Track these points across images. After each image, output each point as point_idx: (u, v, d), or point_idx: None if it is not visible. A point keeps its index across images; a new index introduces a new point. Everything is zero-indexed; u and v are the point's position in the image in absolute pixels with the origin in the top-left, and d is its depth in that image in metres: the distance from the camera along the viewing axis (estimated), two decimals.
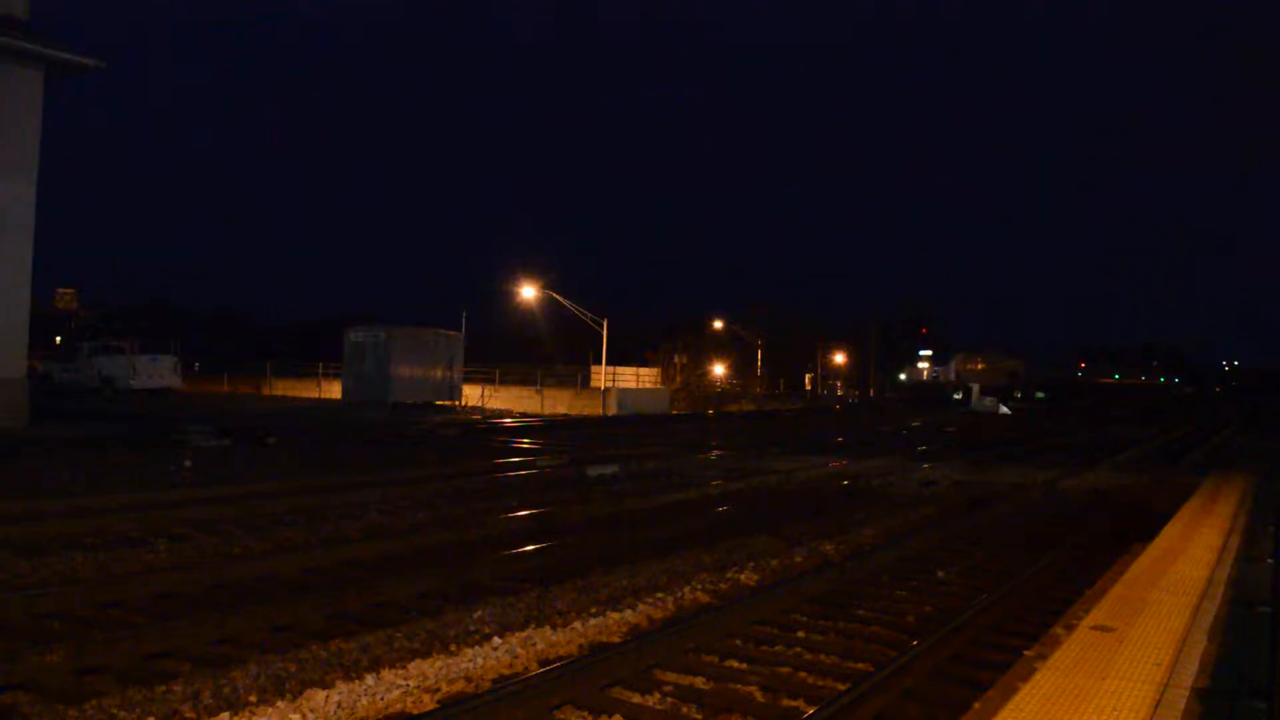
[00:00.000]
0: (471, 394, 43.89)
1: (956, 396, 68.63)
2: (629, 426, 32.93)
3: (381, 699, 5.79)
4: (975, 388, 70.07)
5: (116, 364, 37.72)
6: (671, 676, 6.44)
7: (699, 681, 6.37)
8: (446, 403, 40.42)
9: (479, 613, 7.59)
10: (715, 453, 22.79)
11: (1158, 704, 4.89)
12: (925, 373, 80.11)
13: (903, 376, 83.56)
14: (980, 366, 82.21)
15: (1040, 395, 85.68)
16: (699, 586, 8.77)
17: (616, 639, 7.14)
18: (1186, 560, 8.56)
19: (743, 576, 9.29)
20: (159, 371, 38.47)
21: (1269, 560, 8.65)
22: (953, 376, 76.43)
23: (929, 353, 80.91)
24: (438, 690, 5.99)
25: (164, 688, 5.72)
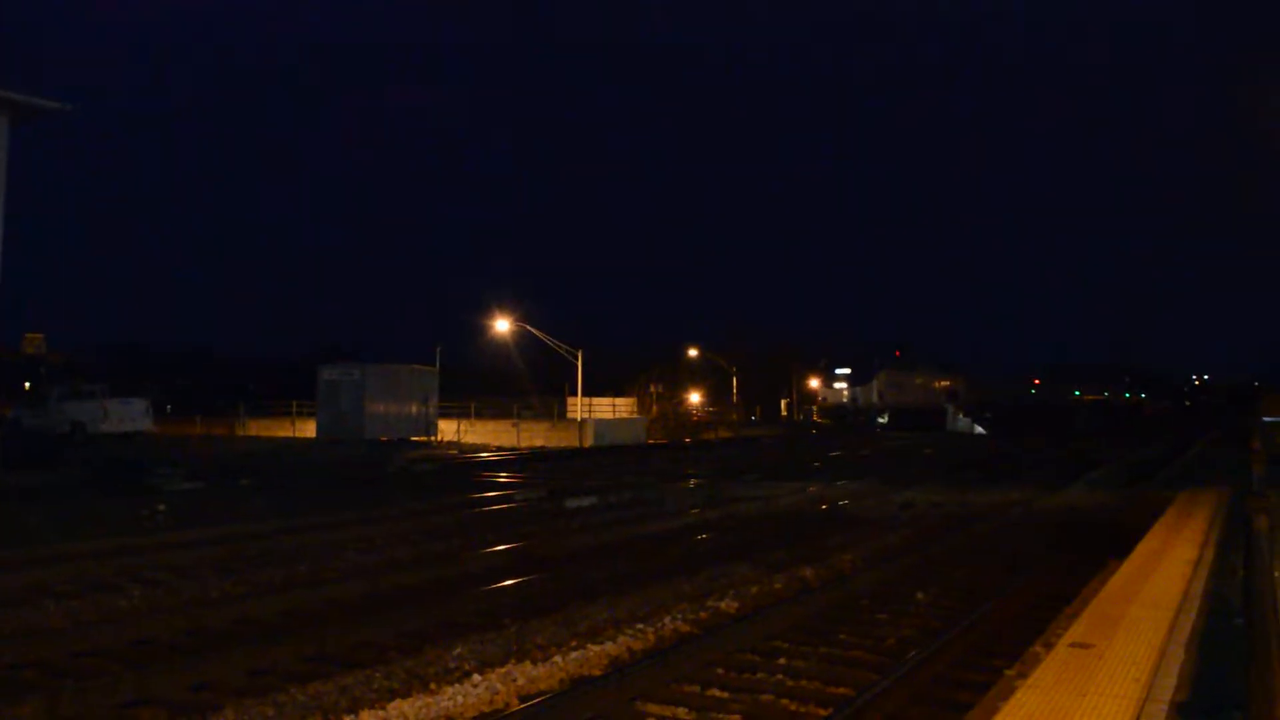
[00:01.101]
0: (448, 429, 43.68)
1: (881, 420, 60.83)
2: (606, 457, 32.86)
3: None
4: (951, 408, 66.73)
5: (86, 408, 37.25)
6: (654, 708, 6.41)
7: (681, 712, 6.35)
8: (422, 438, 40.20)
9: (459, 650, 7.54)
10: (693, 481, 22.79)
11: (1138, 718, 4.92)
12: (845, 394, 64.64)
13: (821, 399, 67.21)
14: (917, 380, 71.65)
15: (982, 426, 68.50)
16: (679, 616, 8.75)
17: (598, 672, 7.11)
18: (1162, 575, 8.63)
19: (723, 604, 9.28)
20: (130, 415, 38.01)
21: (1242, 573, 8.73)
22: (875, 398, 63.65)
23: (846, 371, 64.48)
24: None
25: None
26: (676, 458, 33.16)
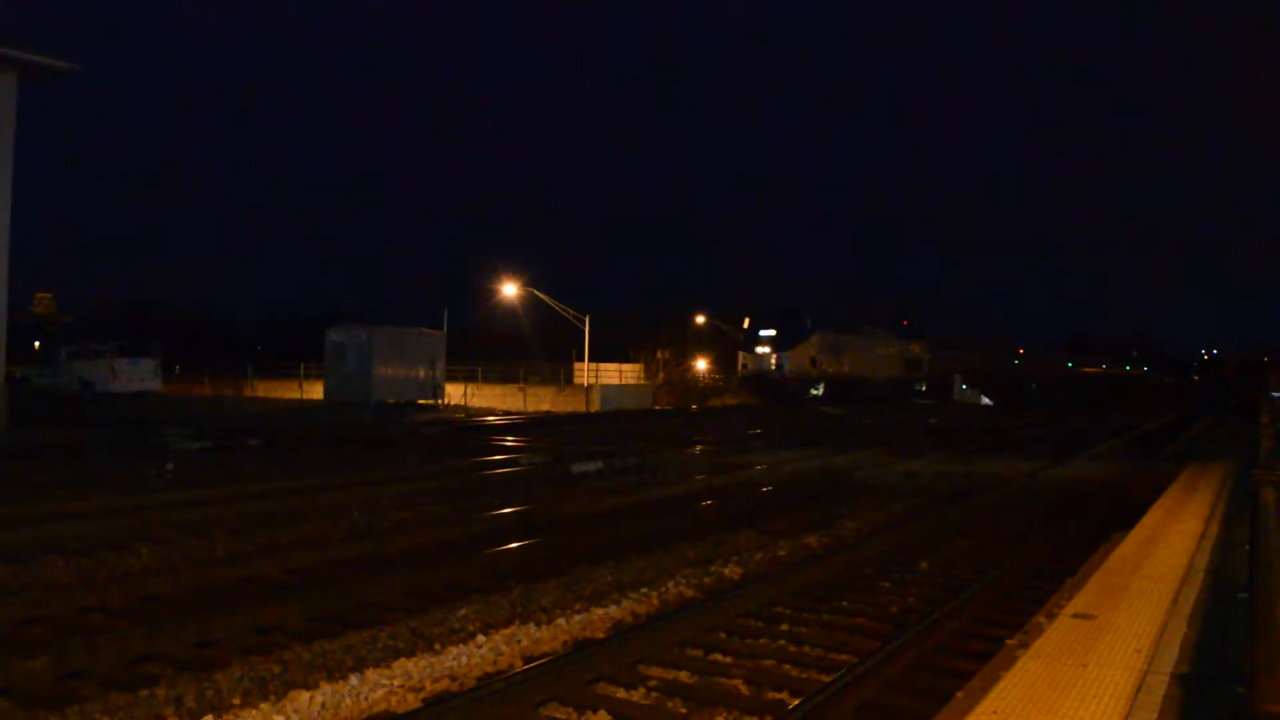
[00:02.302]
0: (454, 392, 43.78)
1: (815, 393, 50.89)
2: (612, 423, 32.93)
3: (366, 699, 5.78)
4: (957, 378, 62.97)
5: (95, 368, 37.45)
6: (656, 671, 6.45)
7: (683, 676, 6.38)
8: (429, 401, 40.30)
9: (463, 611, 7.59)
10: (698, 447, 22.83)
11: (1138, 689, 4.93)
12: (772, 360, 51.55)
13: (741, 366, 54.32)
14: (878, 350, 60.34)
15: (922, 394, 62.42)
16: (683, 581, 8.79)
17: (601, 635, 7.14)
18: (1166, 548, 8.64)
19: (726, 570, 9.31)
20: (139, 375, 38.19)
21: (1247, 546, 8.73)
22: (809, 365, 51.55)
23: (770, 333, 51.64)
24: (422, 689, 5.98)
25: (146, 692, 5.70)
26: (682, 424, 33.21)
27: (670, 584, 8.67)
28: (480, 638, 6.90)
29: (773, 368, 50.97)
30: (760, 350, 51.50)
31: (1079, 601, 6.64)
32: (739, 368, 53.70)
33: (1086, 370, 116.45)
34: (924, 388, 64.57)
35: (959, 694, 5.18)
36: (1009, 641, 6.24)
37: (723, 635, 7.29)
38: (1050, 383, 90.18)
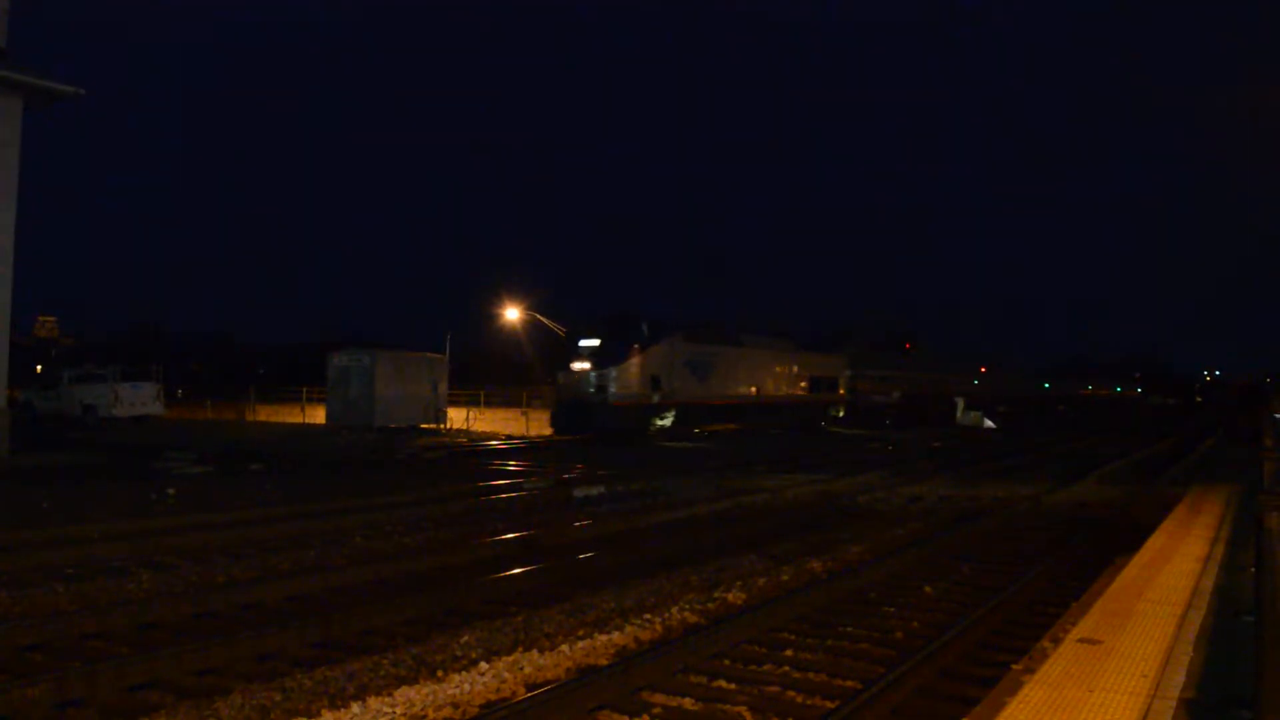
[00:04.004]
0: (457, 416, 43.74)
1: (660, 422, 36.58)
2: (614, 447, 32.86)
3: None
4: (960, 402, 58.67)
5: (98, 392, 37.47)
6: (660, 698, 6.41)
7: (687, 703, 6.35)
8: (432, 426, 40.26)
9: (466, 637, 7.55)
10: (701, 472, 22.77)
11: (1145, 715, 4.90)
12: (590, 378, 35.60)
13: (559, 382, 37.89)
14: (775, 359, 44.56)
15: None
16: (686, 607, 8.75)
17: (604, 661, 7.11)
18: (1171, 571, 8.60)
19: (730, 596, 9.27)
20: (141, 399, 38.21)
21: (1252, 569, 8.69)
22: (645, 385, 35.77)
23: (592, 343, 36.52)
24: (424, 717, 5.95)
25: (146, 719, 5.67)
26: (686, 447, 33.13)
27: (674, 609, 8.63)
28: (483, 665, 6.87)
29: (592, 389, 34.78)
30: (577, 366, 35.23)
31: (1084, 626, 6.60)
32: (558, 385, 36.90)
33: (1083, 393, 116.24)
34: (842, 413, 50.49)
35: None
36: (1014, 667, 6.20)
37: (726, 661, 7.25)
38: (1054, 405, 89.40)
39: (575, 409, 35.14)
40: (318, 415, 43.00)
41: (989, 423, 54.81)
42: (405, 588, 9.51)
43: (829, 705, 6.19)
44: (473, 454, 28.15)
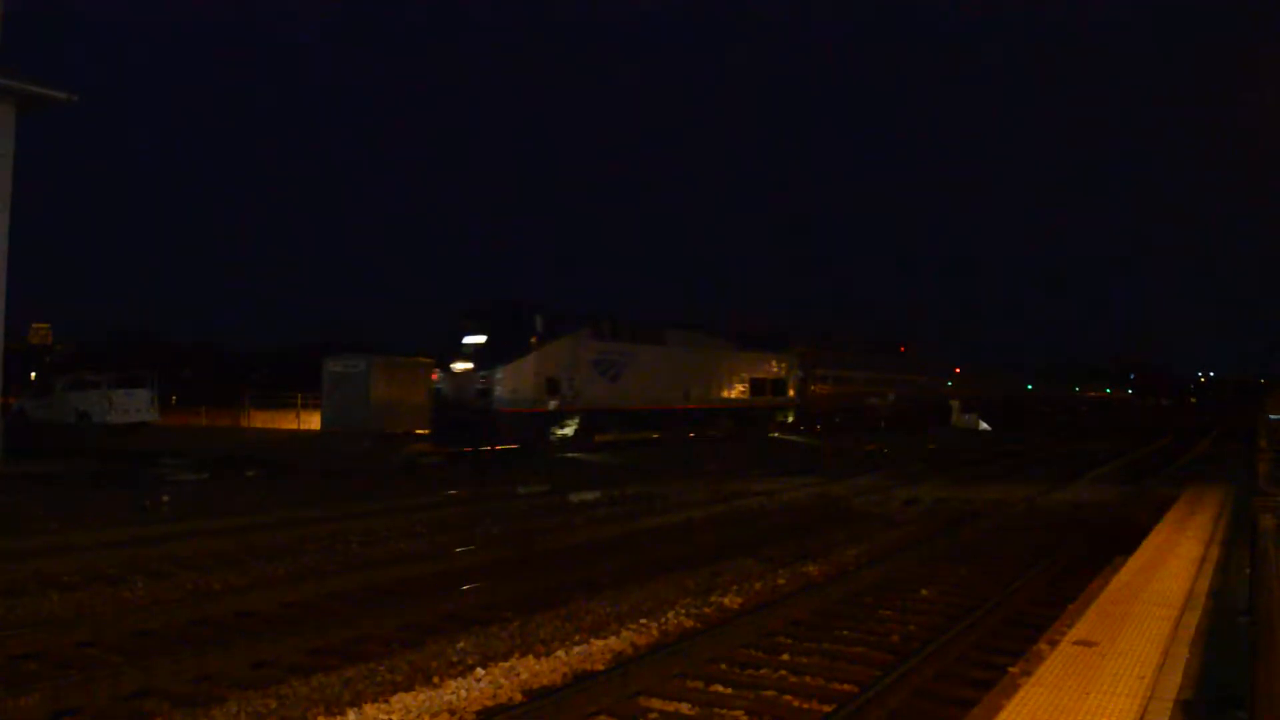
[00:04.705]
0: None
1: (561, 431, 31.09)
2: (610, 451, 32.84)
3: None
4: (956, 404, 59.18)
5: (92, 399, 37.36)
6: (657, 703, 6.41)
7: (684, 707, 6.34)
8: (426, 431, 40.21)
9: (462, 643, 7.54)
10: (697, 475, 22.75)
11: (1142, 717, 4.91)
12: (476, 378, 29.09)
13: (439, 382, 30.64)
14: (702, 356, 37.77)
15: None
16: (683, 611, 8.74)
17: (601, 666, 7.10)
18: (1167, 573, 8.61)
19: (726, 600, 9.26)
20: (135, 405, 38.09)
21: (1247, 570, 8.70)
22: (542, 387, 30.10)
23: (477, 340, 29.48)
24: None
25: None
26: (681, 451, 33.12)
27: (670, 614, 8.62)
28: (479, 670, 6.85)
29: (477, 390, 29.02)
30: (458, 366, 29.51)
31: (1081, 628, 6.61)
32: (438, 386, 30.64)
33: (1082, 394, 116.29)
34: (790, 419, 44.44)
35: None
36: (1011, 669, 6.21)
37: (723, 666, 7.25)
38: (1048, 407, 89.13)
39: (457, 418, 29.30)
40: (313, 421, 42.93)
41: (984, 425, 54.88)
42: (401, 593, 9.50)
43: (826, 709, 6.19)
44: (468, 459, 28.09)
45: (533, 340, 29.52)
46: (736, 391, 40.13)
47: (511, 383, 29.01)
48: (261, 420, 48.68)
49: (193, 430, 41.12)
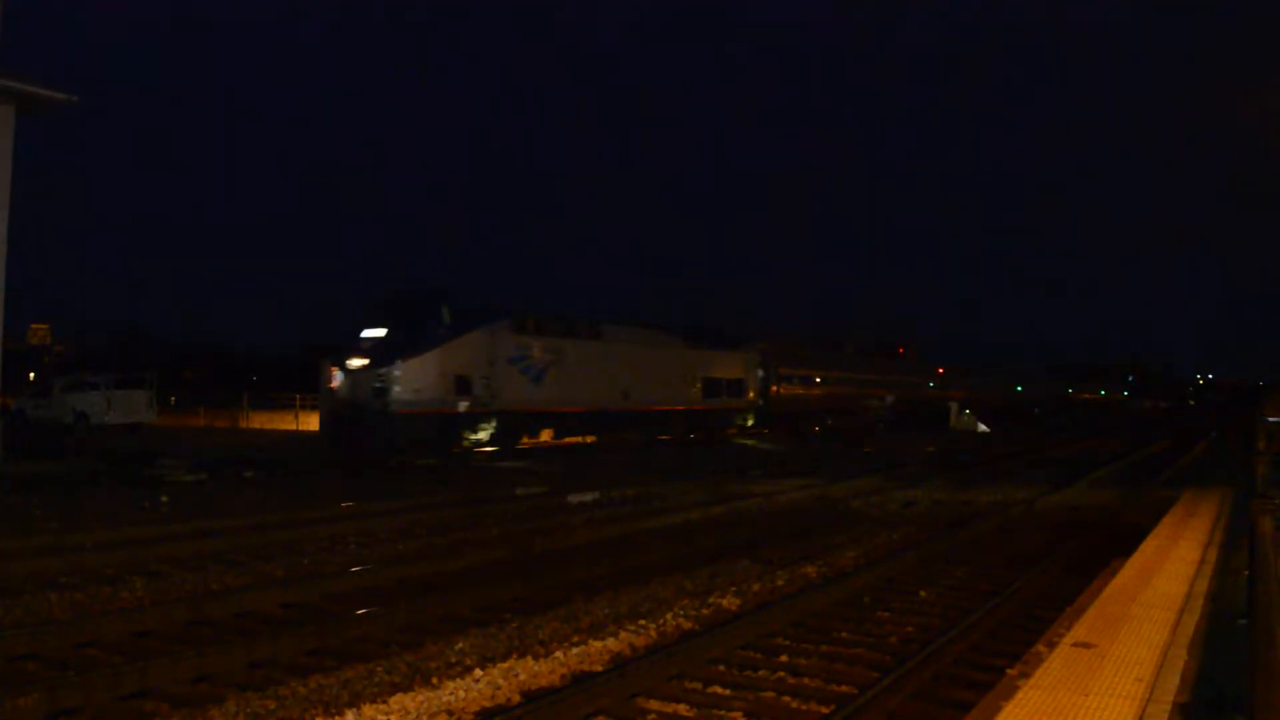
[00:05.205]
0: None
1: (475, 435, 28.12)
2: (609, 452, 32.84)
3: None
4: (954, 405, 57.60)
5: (90, 399, 37.36)
6: (655, 705, 6.41)
7: (682, 709, 6.34)
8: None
9: (460, 644, 7.54)
10: (695, 477, 22.74)
11: (1140, 718, 4.91)
12: (372, 373, 25.69)
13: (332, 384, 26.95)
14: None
15: None
16: (681, 613, 8.74)
17: (599, 668, 7.10)
18: (1165, 575, 8.62)
19: (725, 601, 9.27)
20: (134, 406, 38.08)
21: (1245, 573, 8.71)
22: (451, 388, 26.71)
23: (377, 334, 26.59)
24: None
25: None
26: (680, 453, 33.12)
27: (669, 615, 8.62)
28: (478, 671, 6.85)
29: (374, 389, 25.58)
30: (354, 363, 26.20)
31: (1079, 630, 6.61)
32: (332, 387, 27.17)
33: (1082, 396, 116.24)
34: (751, 422, 40.82)
35: None
36: (1009, 671, 6.21)
37: (721, 667, 7.25)
38: (1047, 408, 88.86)
39: (350, 420, 26.08)
40: (311, 422, 42.90)
41: (983, 427, 54.87)
42: (399, 594, 9.48)
43: (824, 710, 6.19)
44: (466, 460, 28.10)
45: (440, 333, 26.61)
46: (687, 392, 36.86)
47: (412, 380, 25.83)
48: (260, 421, 48.65)
49: (191, 431, 41.09)
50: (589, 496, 17.76)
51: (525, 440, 30.18)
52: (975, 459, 30.53)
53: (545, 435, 31.43)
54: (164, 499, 16.07)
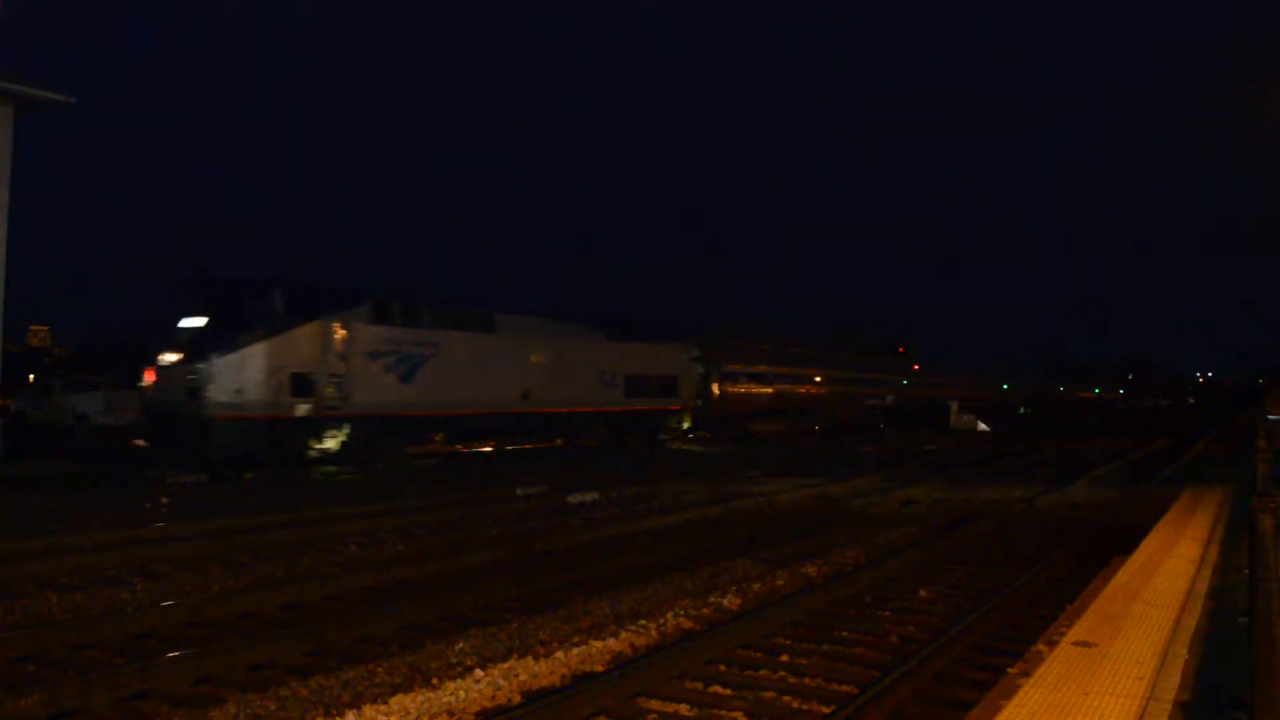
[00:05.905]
0: None
1: (322, 445, 23.44)
2: (609, 453, 32.84)
3: None
4: (955, 404, 57.20)
5: (90, 400, 37.37)
6: (656, 705, 6.41)
7: (683, 709, 6.34)
8: None
9: (460, 645, 7.54)
10: (695, 477, 22.74)
11: (1140, 717, 4.91)
12: (185, 370, 20.93)
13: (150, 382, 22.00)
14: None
15: None
16: (681, 613, 8.74)
17: (600, 668, 7.10)
18: (1165, 573, 8.62)
19: (725, 601, 9.26)
20: (134, 407, 38.12)
21: (1246, 571, 8.71)
22: (286, 388, 21.83)
23: (197, 323, 21.61)
24: None
25: None
26: (680, 453, 33.13)
27: (669, 615, 8.62)
28: (478, 672, 6.85)
29: (186, 388, 21.41)
30: (167, 359, 22.08)
31: (1079, 629, 6.61)
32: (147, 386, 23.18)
33: (1081, 395, 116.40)
34: (686, 425, 37.29)
35: None
36: (1010, 670, 6.21)
37: (722, 667, 7.25)
38: (1047, 407, 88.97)
39: (163, 425, 22.32)
40: None
41: (982, 426, 54.89)
42: (399, 595, 9.49)
43: (825, 710, 6.19)
44: (466, 460, 28.10)
45: (270, 323, 22.15)
46: (605, 393, 32.33)
47: (232, 378, 21.48)
48: None
49: None
50: (588, 497, 17.74)
51: (412, 449, 26.42)
52: (975, 457, 30.53)
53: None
54: (164, 500, 16.07)
